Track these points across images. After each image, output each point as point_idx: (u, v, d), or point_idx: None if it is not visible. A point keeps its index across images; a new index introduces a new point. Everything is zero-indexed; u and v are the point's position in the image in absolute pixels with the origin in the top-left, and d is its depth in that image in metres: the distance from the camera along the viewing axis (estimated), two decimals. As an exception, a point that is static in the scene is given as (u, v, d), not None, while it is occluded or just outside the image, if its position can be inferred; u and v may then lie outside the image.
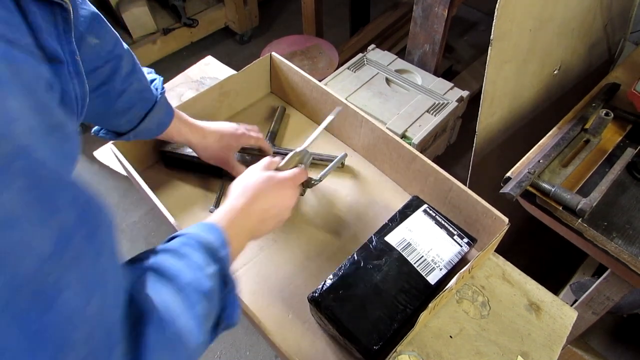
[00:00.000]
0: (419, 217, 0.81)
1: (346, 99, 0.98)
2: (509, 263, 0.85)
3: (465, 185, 0.82)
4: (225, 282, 0.48)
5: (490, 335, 0.76)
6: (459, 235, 0.79)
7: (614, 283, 0.97)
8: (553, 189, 0.90)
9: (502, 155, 1.23)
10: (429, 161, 0.85)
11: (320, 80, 1.04)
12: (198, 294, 0.42)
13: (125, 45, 0.67)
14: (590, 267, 1.44)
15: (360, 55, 1.72)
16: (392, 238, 0.78)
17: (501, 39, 0.97)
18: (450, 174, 0.83)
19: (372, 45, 1.77)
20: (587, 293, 1.05)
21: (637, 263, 0.83)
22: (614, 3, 1.30)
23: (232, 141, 0.86)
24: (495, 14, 0.91)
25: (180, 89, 1.20)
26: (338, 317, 0.69)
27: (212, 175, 0.96)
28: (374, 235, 0.79)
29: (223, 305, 0.48)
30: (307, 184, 0.89)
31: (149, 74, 0.76)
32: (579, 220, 0.88)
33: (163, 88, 0.75)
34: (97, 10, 0.61)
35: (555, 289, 0.97)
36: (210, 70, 1.25)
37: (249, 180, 0.65)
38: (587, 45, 1.31)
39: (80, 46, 0.55)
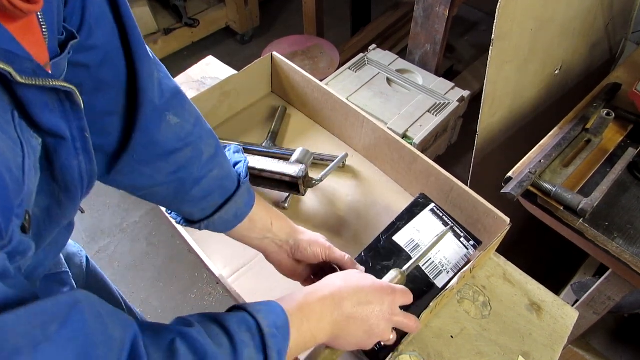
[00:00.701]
0: (426, 217, 0.80)
1: (347, 99, 0.98)
2: (510, 263, 0.85)
3: (466, 186, 0.82)
4: None
5: (491, 335, 0.76)
6: (465, 238, 0.78)
7: (615, 283, 0.97)
8: (554, 189, 0.90)
9: (503, 155, 1.23)
10: (430, 161, 0.85)
11: (321, 80, 1.04)
12: None
13: (208, 125, 0.61)
14: (591, 267, 1.44)
15: (361, 55, 1.72)
16: (400, 238, 0.77)
17: (502, 39, 0.97)
18: (451, 174, 0.83)
19: (373, 45, 1.77)
20: (588, 293, 1.05)
21: (638, 263, 0.83)
22: (615, 3, 1.29)
23: (319, 251, 0.69)
24: (496, 13, 0.91)
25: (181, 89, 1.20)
26: None
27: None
28: (382, 234, 0.78)
29: None
30: (308, 183, 0.89)
31: (235, 153, 0.67)
32: (580, 220, 0.88)
33: (247, 174, 0.65)
34: (178, 86, 0.57)
35: (556, 289, 0.97)
36: (211, 70, 1.25)
37: (362, 281, 0.57)
38: (588, 45, 1.31)
39: (159, 124, 0.53)
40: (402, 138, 0.94)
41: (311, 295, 0.53)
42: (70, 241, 0.76)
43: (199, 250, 0.80)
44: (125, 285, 1.68)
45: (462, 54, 2.45)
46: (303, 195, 0.90)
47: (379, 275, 0.66)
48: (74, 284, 0.69)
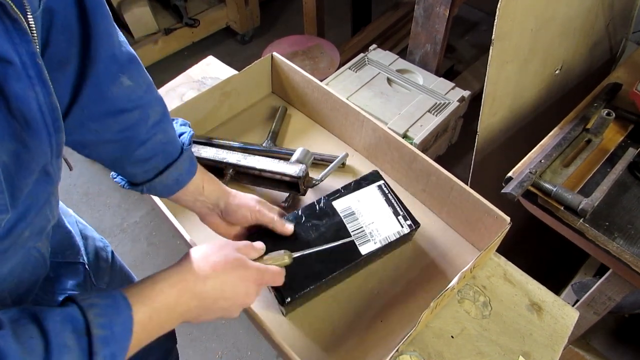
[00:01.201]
0: (371, 191, 0.83)
1: (347, 99, 0.98)
2: (510, 263, 0.85)
3: (467, 185, 0.82)
4: None
5: (491, 336, 0.76)
6: (403, 217, 0.81)
7: (616, 283, 0.97)
8: (554, 189, 0.90)
9: (504, 155, 1.23)
10: (430, 160, 0.85)
11: (321, 80, 1.04)
12: None
13: (158, 94, 0.63)
14: (591, 267, 1.44)
15: (361, 55, 1.72)
16: (339, 204, 0.81)
17: (502, 39, 0.97)
18: (452, 174, 0.83)
19: (374, 45, 1.77)
20: (588, 293, 1.05)
21: (639, 263, 0.83)
22: (615, 2, 1.29)
23: (247, 214, 0.72)
24: (497, 13, 0.91)
25: (181, 89, 1.20)
26: None
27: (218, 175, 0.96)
28: (324, 197, 0.82)
29: None
30: (308, 183, 0.89)
31: (181, 125, 0.70)
32: (581, 220, 0.88)
33: (190, 143, 0.67)
34: (134, 53, 0.58)
35: (556, 289, 0.97)
36: (211, 70, 1.25)
37: (213, 253, 0.55)
38: (589, 45, 1.31)
39: (112, 83, 0.54)
40: (403, 138, 0.94)
41: (164, 283, 0.49)
42: (96, 235, 0.79)
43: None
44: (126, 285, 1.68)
45: (462, 54, 2.45)
46: (303, 195, 0.90)
47: (307, 230, 0.76)
48: (92, 277, 0.71)
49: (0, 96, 0.36)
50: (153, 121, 0.61)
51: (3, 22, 0.35)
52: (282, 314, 0.77)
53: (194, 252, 0.55)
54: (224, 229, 0.74)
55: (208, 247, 0.57)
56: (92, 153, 0.60)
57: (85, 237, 0.75)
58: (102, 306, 0.42)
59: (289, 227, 0.74)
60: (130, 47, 0.58)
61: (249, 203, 0.72)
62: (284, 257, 0.68)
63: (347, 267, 0.75)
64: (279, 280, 0.63)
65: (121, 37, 0.56)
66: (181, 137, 0.67)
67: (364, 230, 0.78)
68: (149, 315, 0.46)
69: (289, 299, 0.71)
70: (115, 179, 0.69)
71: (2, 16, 0.35)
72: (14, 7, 0.36)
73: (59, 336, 0.37)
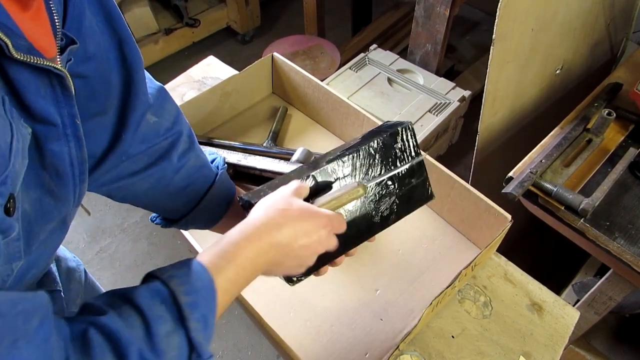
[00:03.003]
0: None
1: (348, 99, 0.98)
2: (511, 263, 0.85)
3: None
4: (191, 347, 0.41)
5: (492, 335, 0.76)
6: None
7: (616, 283, 0.97)
8: (555, 189, 0.90)
9: (504, 155, 1.23)
10: (430, 159, 0.85)
11: (322, 80, 1.04)
12: None
13: (186, 121, 0.63)
14: (592, 267, 1.44)
15: (362, 55, 1.72)
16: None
17: (503, 39, 0.97)
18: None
19: (374, 45, 1.77)
20: (589, 293, 1.04)
21: (639, 263, 0.83)
22: (616, 2, 1.29)
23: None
24: (497, 13, 0.91)
25: (182, 89, 1.20)
26: None
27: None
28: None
29: None
30: None
31: (210, 154, 0.69)
32: (581, 220, 0.88)
33: (224, 165, 0.67)
34: (161, 85, 0.60)
35: (557, 289, 0.97)
36: (212, 70, 1.25)
37: (279, 202, 0.53)
38: (589, 45, 1.31)
39: (139, 123, 0.55)
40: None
41: (242, 239, 0.49)
42: (68, 254, 0.76)
43: (201, 249, 0.80)
44: (126, 285, 1.68)
45: (463, 53, 2.45)
46: (304, 195, 0.90)
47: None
48: (64, 305, 0.68)
49: (36, 152, 0.39)
50: (183, 149, 0.61)
51: (54, 90, 0.39)
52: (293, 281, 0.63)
53: (261, 204, 0.53)
54: None
55: (272, 198, 0.54)
56: (128, 194, 0.60)
57: (57, 259, 0.72)
58: (180, 275, 0.43)
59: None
60: (155, 81, 0.59)
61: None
62: (358, 189, 0.58)
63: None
64: (344, 226, 0.57)
65: (146, 74, 0.57)
66: (213, 163, 0.67)
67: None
68: (235, 271, 0.47)
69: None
70: (154, 221, 0.67)
71: (56, 85, 0.39)
72: (70, 78, 0.39)
73: (152, 309, 0.40)
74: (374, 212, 0.64)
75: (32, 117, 0.38)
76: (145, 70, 0.57)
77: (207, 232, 0.74)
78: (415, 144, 0.66)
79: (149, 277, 0.44)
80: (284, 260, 0.52)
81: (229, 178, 0.68)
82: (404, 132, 0.66)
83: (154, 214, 0.67)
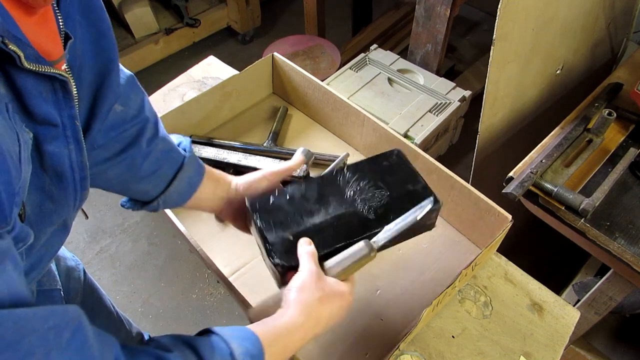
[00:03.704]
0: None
1: (348, 99, 0.98)
2: (511, 263, 0.85)
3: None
4: None
5: (492, 336, 0.76)
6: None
7: (617, 283, 0.97)
8: (555, 189, 0.90)
9: (505, 155, 1.23)
10: (431, 159, 0.85)
11: (322, 80, 1.04)
12: None
13: (151, 107, 0.64)
14: (592, 267, 1.44)
15: (362, 55, 1.72)
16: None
17: (504, 39, 0.97)
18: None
19: (374, 45, 1.77)
20: (589, 293, 1.04)
21: (640, 263, 0.83)
22: (616, 3, 1.29)
23: (265, 182, 0.71)
24: (498, 13, 0.91)
25: (182, 89, 1.20)
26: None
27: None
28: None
29: None
30: None
31: (177, 138, 0.71)
32: (582, 220, 0.88)
33: (191, 148, 0.69)
34: (131, 74, 0.60)
35: (557, 289, 0.97)
36: (212, 70, 1.25)
37: (308, 299, 0.55)
38: (590, 45, 1.31)
39: (108, 112, 0.56)
40: (404, 138, 0.94)
41: (284, 323, 0.53)
42: (67, 253, 0.77)
43: (201, 248, 0.80)
44: (127, 285, 1.68)
45: (463, 53, 2.45)
46: (304, 195, 0.90)
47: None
48: (64, 303, 0.69)
49: (36, 153, 0.39)
50: (150, 135, 0.62)
51: (56, 93, 0.39)
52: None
53: (290, 303, 0.55)
54: (243, 219, 0.72)
55: (298, 295, 0.56)
56: (100, 180, 0.61)
57: (56, 259, 0.73)
58: (237, 337, 0.47)
59: (299, 157, 0.75)
60: (125, 70, 0.60)
61: (259, 174, 0.71)
62: (370, 255, 0.60)
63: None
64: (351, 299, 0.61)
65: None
66: (180, 145, 0.69)
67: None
68: (275, 346, 0.51)
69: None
70: (125, 206, 0.69)
71: (58, 90, 0.39)
72: (72, 82, 0.40)
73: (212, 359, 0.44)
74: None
75: (34, 120, 0.38)
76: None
77: (208, 234, 0.74)
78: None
79: (206, 332, 0.49)
80: (316, 333, 0.57)
81: (197, 159, 0.70)
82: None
83: (123, 199, 0.69)
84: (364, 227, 0.65)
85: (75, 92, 0.42)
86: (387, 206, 0.67)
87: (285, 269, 0.61)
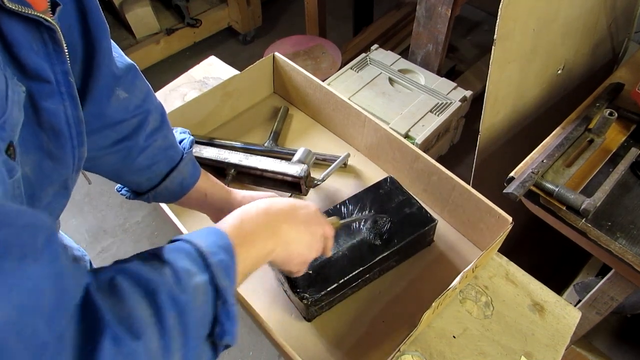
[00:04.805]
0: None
1: (349, 99, 0.98)
2: (512, 263, 0.85)
3: (469, 185, 0.81)
4: (217, 293, 0.42)
5: (493, 336, 0.76)
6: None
7: (618, 283, 0.97)
8: (556, 189, 0.89)
9: (506, 155, 1.23)
10: (431, 160, 0.85)
11: (323, 80, 1.04)
12: (171, 307, 0.37)
13: (157, 100, 0.64)
14: (594, 267, 1.44)
15: (363, 55, 1.72)
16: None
17: (505, 39, 0.97)
18: (453, 174, 0.83)
19: (375, 45, 1.77)
20: (590, 293, 1.04)
21: (641, 263, 0.83)
22: (618, 2, 1.29)
23: None
24: (499, 13, 0.90)
25: (183, 89, 1.20)
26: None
27: (219, 175, 0.96)
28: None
29: (215, 321, 0.42)
30: (310, 183, 0.89)
31: (181, 133, 0.71)
32: (583, 220, 0.88)
33: (190, 148, 0.69)
34: (132, 62, 0.60)
35: (558, 289, 0.97)
36: (213, 71, 1.25)
37: (279, 200, 0.56)
38: (591, 45, 1.31)
39: (109, 98, 0.55)
40: (404, 138, 0.94)
41: (246, 215, 0.52)
42: (74, 244, 0.76)
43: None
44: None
45: (464, 53, 2.45)
46: (305, 195, 0.90)
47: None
48: None
49: (32, 110, 0.39)
50: (151, 128, 0.62)
51: (46, 45, 0.38)
52: (305, 319, 0.78)
53: (258, 203, 0.55)
54: None
55: (269, 200, 0.57)
56: (94, 166, 0.61)
57: (63, 247, 0.73)
58: (200, 235, 0.46)
59: None
60: (127, 58, 0.59)
61: (260, 195, 0.72)
62: (338, 220, 0.72)
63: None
64: (332, 234, 0.64)
65: (117, 50, 0.57)
66: (181, 143, 0.69)
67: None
68: (241, 237, 0.49)
69: (318, 295, 0.73)
70: (120, 192, 0.69)
71: (48, 41, 0.38)
72: (60, 31, 0.39)
73: (178, 261, 0.42)
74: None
75: (25, 74, 0.37)
76: (116, 46, 0.57)
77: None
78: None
79: (170, 242, 0.47)
80: (289, 247, 0.55)
81: (194, 161, 0.70)
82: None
83: (119, 185, 0.69)
84: (374, 253, 0.77)
85: (66, 47, 0.41)
86: (391, 230, 0.80)
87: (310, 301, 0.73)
